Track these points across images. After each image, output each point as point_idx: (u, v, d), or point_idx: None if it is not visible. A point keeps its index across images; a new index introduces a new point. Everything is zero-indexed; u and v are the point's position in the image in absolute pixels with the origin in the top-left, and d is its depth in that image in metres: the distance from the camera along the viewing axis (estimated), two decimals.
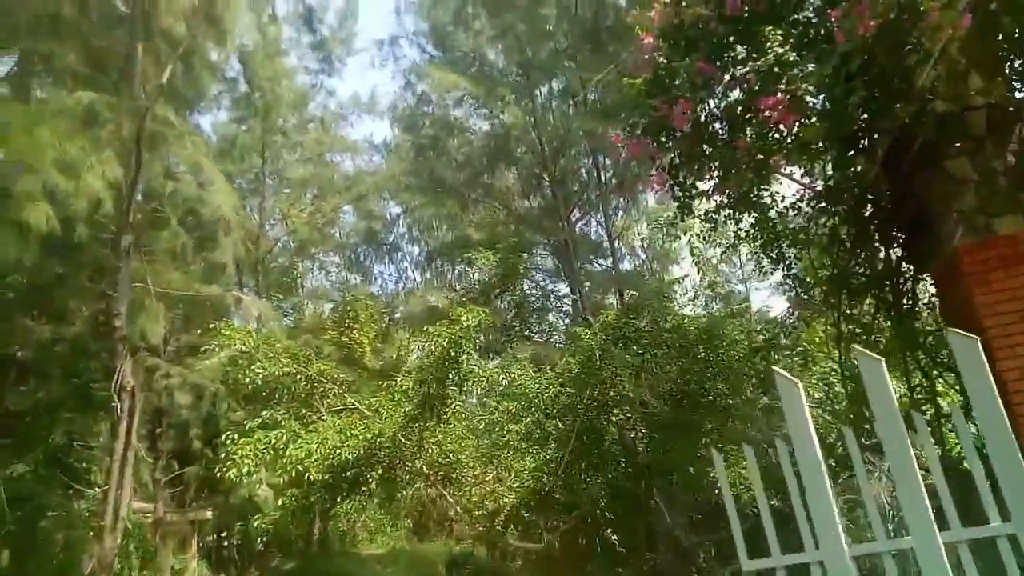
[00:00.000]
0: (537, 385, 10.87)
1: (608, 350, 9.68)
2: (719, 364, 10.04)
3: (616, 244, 21.78)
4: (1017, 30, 4.37)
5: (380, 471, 9.13)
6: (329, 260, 29.10)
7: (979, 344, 1.73)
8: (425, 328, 9.60)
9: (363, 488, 9.27)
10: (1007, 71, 5.12)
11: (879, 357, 2.45)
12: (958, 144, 5.01)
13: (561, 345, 17.34)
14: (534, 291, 19.98)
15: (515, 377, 10.86)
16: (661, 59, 6.18)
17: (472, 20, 18.42)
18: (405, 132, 23.41)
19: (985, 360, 1.75)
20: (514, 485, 10.38)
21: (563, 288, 20.71)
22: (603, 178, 19.92)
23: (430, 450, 9.55)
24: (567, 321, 19.92)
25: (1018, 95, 5.15)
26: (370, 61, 60.73)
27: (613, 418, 10.68)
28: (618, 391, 10.06)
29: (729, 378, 10.03)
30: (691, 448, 10.15)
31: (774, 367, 1.96)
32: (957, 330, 1.74)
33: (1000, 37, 4.83)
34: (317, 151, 25.84)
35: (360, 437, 9.08)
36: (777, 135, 5.92)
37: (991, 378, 1.73)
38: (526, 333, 18.65)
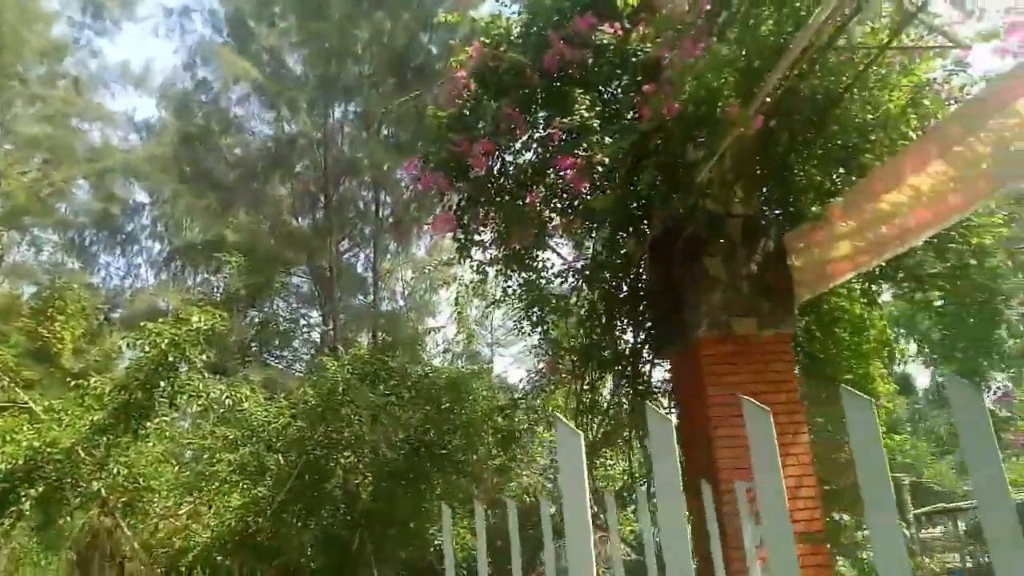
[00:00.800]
0: (265, 413, 9.81)
1: (353, 386, 9.07)
2: (461, 418, 9.91)
3: (379, 284, 21.32)
4: (784, 153, 4.85)
5: (41, 489, 7.39)
6: (46, 237, 24.63)
7: (672, 427, 1.57)
8: (143, 324, 8.14)
9: (11, 508, 7.38)
10: (764, 190, 5.71)
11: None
12: (720, 242, 5.40)
13: (300, 374, 16.21)
14: (284, 312, 18.62)
15: (241, 400, 9.70)
16: (470, 97, 6.08)
17: (278, 18, 17.22)
18: (175, 115, 20.97)
19: (676, 445, 1.60)
20: (213, 523, 9.13)
21: (316, 316, 19.63)
22: (381, 214, 19.52)
23: (116, 470, 7.95)
24: (313, 351, 18.81)
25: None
26: (153, 29, 54.11)
27: (342, 459, 9.98)
28: (354, 431, 9.45)
29: (469, 433, 9.94)
30: (417, 500, 9.78)
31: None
32: (653, 407, 1.57)
33: (764, 159, 5.36)
34: (62, 111, 22.09)
35: (23, 444, 7.34)
36: (565, 197, 6.04)
37: (677, 461, 1.57)
38: (265, 356, 17.19)
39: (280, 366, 17.49)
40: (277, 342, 17.58)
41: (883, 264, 5.91)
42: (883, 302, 7.94)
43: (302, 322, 18.90)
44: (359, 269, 21.39)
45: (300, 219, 20.28)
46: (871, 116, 4.77)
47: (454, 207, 6.39)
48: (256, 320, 17.16)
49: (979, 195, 4.04)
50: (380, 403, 9.35)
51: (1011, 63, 4.25)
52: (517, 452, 10.79)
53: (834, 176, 5.34)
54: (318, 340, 19.28)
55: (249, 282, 15.20)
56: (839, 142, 4.84)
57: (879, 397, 7.86)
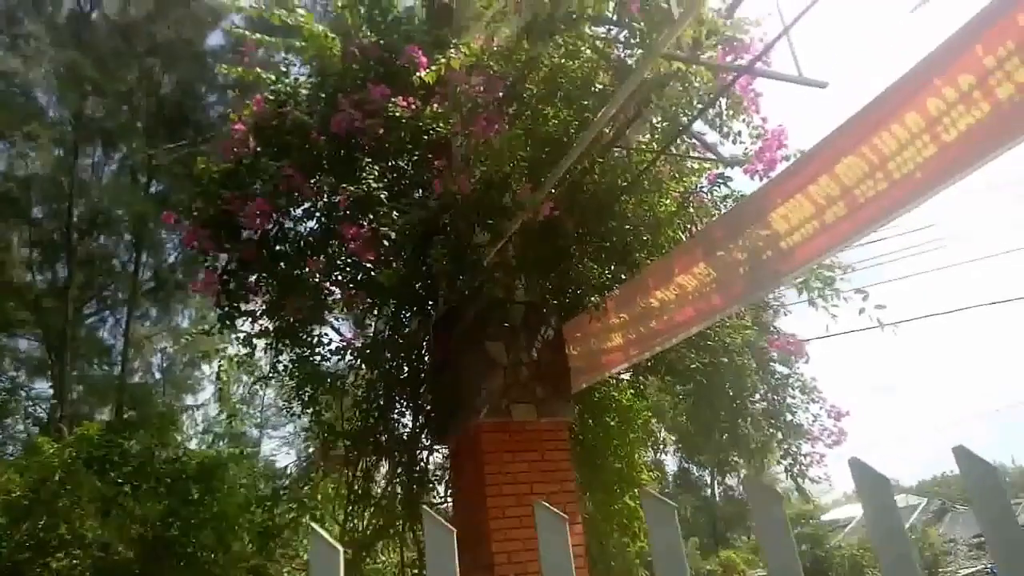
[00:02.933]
0: None
1: (76, 472, 7.58)
2: (213, 510, 8.69)
3: (130, 352, 18.83)
4: (566, 244, 4.96)
5: None
6: None
7: (453, 536, 1.36)
8: None
9: None
10: (547, 280, 5.81)
11: None
12: (503, 327, 5.35)
13: (11, 458, 13.47)
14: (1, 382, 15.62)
15: None
16: (247, 154, 5.59)
17: (23, 41, 15.00)
18: None
19: (455, 552, 1.40)
20: None
21: (45, 388, 16.71)
22: (141, 275, 17.46)
23: None
24: (36, 430, 15.85)
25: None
26: None
27: (54, 563, 8.22)
28: (72, 528, 7.85)
29: (220, 528, 8.72)
30: None
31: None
32: (432, 514, 1.37)
33: (548, 248, 5.46)
34: None
35: None
36: (348, 270, 5.68)
37: (457, 571, 1.36)
38: None
39: None
40: None
41: (651, 357, 6.25)
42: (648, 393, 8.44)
43: (24, 394, 15.88)
44: (106, 335, 18.81)
45: (40, 272, 17.47)
46: (645, 216, 5.08)
47: (220, 270, 5.73)
48: None
49: (736, 298, 4.37)
50: (110, 493, 7.89)
51: (758, 182, 4.76)
52: (277, 549, 9.68)
53: (611, 270, 5.58)
54: (45, 417, 16.36)
55: None
56: (616, 239, 5.07)
57: (644, 485, 8.22)
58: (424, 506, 1.69)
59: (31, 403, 15.94)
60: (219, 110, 14.49)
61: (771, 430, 6.20)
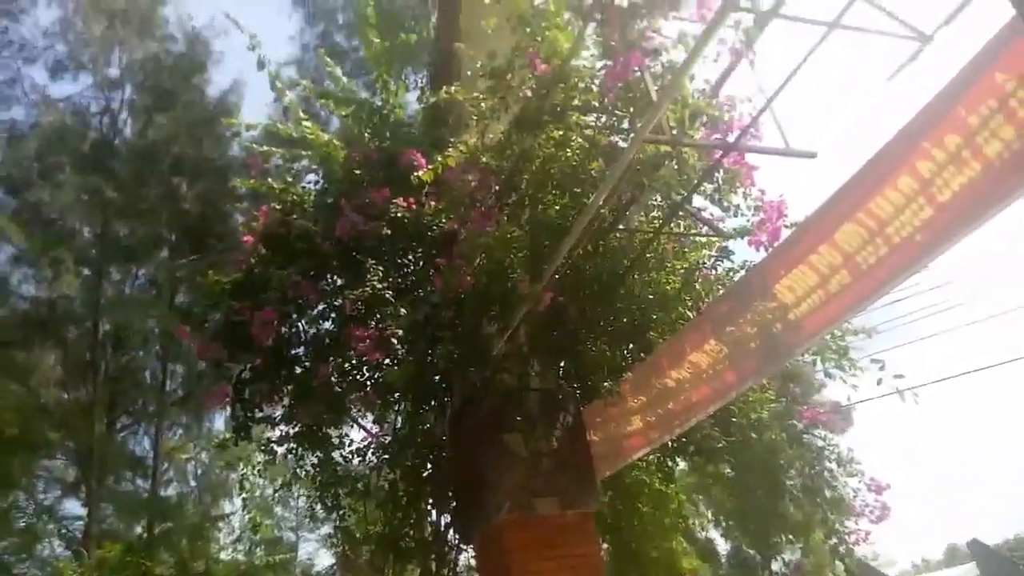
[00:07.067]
0: None
1: None
2: None
3: (162, 465, 18.81)
4: (575, 329, 4.91)
5: None
6: None
7: None
8: None
9: None
10: (560, 367, 5.73)
11: None
12: (519, 418, 5.24)
13: None
14: (28, 506, 15.54)
15: None
16: (257, 263, 5.71)
17: (54, 171, 15.77)
18: None
19: None
20: None
21: (76, 507, 16.62)
22: (168, 386, 17.64)
23: None
24: (68, 552, 15.67)
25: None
26: None
27: None
28: None
29: None
30: None
31: None
32: None
33: (557, 333, 5.40)
34: None
35: None
36: (360, 372, 5.66)
37: None
38: None
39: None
40: (13, 543, 14.39)
41: (676, 438, 6.05)
42: (680, 473, 8.15)
43: (53, 516, 15.77)
44: (137, 449, 18.83)
45: (73, 391, 17.72)
46: (651, 296, 5.02)
47: (235, 380, 5.76)
48: None
49: (751, 373, 4.25)
50: None
51: (763, 254, 4.70)
52: None
53: (623, 352, 5.49)
54: (78, 536, 16.21)
55: None
56: (624, 319, 5.01)
57: (683, 572, 7.81)
58: None
59: (63, 524, 15.82)
60: (240, 220, 15.02)
61: (810, 507, 5.88)
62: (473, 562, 6.70)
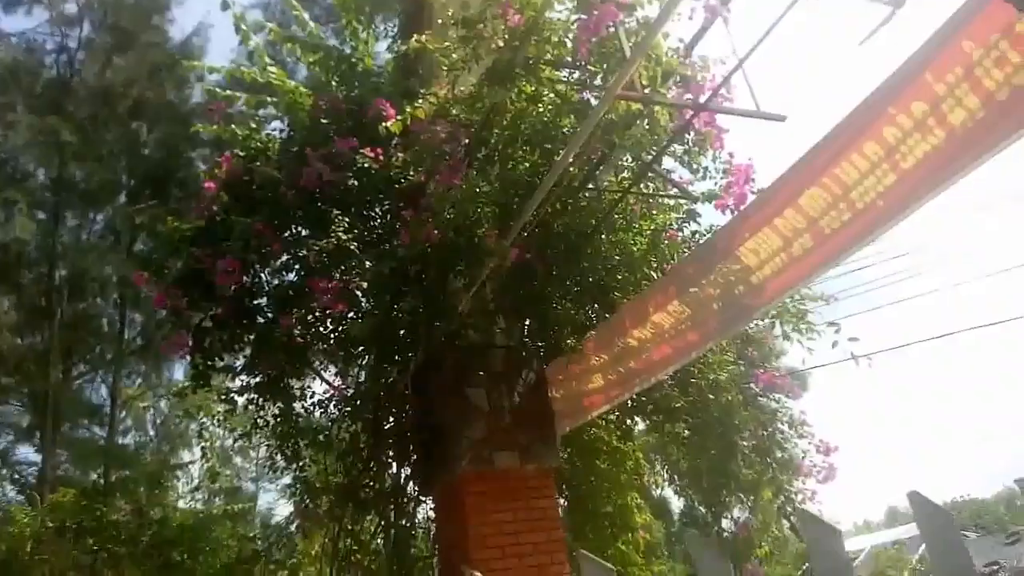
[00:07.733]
0: None
1: (48, 541, 7.34)
2: (195, 574, 8.41)
3: (120, 413, 18.56)
4: (541, 286, 4.92)
5: None
6: None
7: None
8: None
9: None
10: (525, 322, 5.74)
11: None
12: (482, 373, 5.26)
13: None
14: None
15: None
16: (219, 211, 5.57)
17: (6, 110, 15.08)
18: None
19: None
20: None
21: (30, 454, 16.39)
22: (127, 334, 17.30)
23: None
24: (22, 497, 15.50)
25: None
26: None
27: None
28: None
29: None
30: None
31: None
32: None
33: (523, 291, 5.41)
34: None
35: None
36: (324, 324, 5.61)
37: None
38: None
39: None
40: None
41: (635, 397, 6.15)
42: (639, 432, 8.30)
43: (10, 459, 15.56)
44: (94, 397, 18.54)
45: (24, 338, 17.29)
46: (618, 256, 5.04)
47: (195, 328, 5.66)
48: None
49: (712, 334, 4.32)
50: (86, 562, 7.65)
51: (729, 217, 4.74)
52: None
53: (588, 311, 5.52)
54: (32, 481, 16.02)
55: None
56: (591, 279, 5.03)
57: (637, 527, 8.03)
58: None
59: (14, 469, 15.61)
60: (203, 167, 14.63)
61: (761, 467, 6.07)
62: (432, 513, 6.78)
